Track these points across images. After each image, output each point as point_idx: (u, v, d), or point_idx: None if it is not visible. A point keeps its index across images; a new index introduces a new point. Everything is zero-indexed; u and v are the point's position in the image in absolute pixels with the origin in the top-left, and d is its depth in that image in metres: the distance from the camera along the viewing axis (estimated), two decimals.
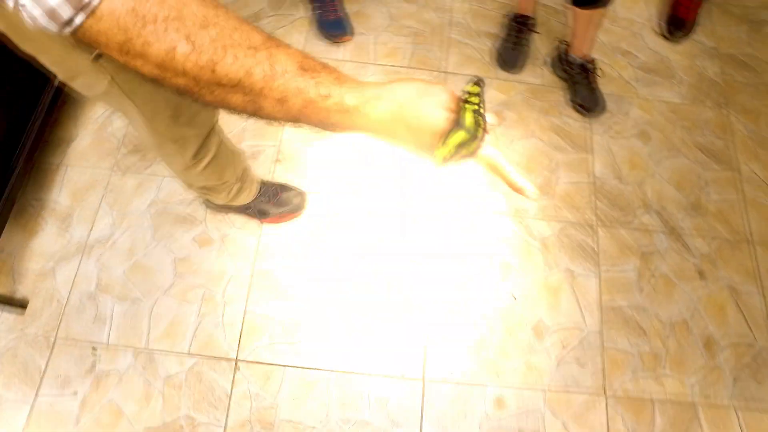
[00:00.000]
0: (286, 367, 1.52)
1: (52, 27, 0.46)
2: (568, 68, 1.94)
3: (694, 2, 2.13)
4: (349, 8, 2.09)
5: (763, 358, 1.61)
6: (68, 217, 1.69)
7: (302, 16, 2.09)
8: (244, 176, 1.49)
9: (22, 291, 1.59)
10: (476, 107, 0.57)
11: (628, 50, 2.11)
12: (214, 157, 1.25)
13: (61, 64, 0.88)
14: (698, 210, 1.81)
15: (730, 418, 1.52)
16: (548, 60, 2.05)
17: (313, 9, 2.04)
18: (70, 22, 0.45)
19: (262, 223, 1.68)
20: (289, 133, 1.84)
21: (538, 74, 2.03)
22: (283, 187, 1.67)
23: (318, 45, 2.02)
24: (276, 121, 0.55)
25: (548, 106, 1.96)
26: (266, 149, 1.81)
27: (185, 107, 1.05)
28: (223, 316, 1.57)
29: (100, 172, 1.76)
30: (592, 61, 1.91)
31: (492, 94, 1.96)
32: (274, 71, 0.51)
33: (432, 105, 0.57)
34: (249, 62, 0.50)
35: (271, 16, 2.08)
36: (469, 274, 1.67)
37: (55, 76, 1.37)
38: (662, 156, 1.90)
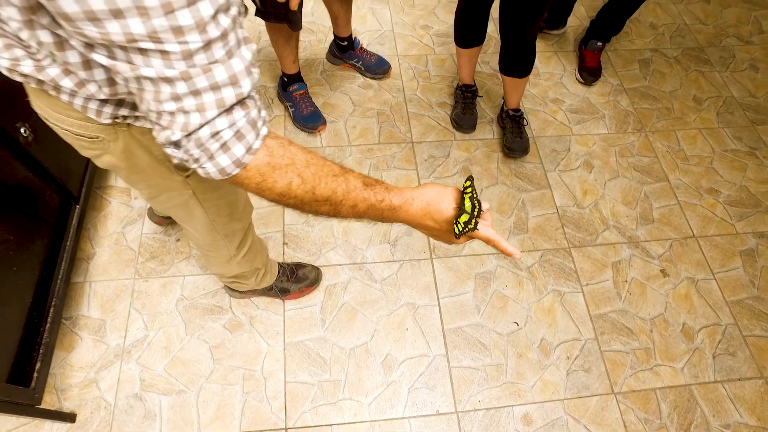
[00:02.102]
0: (333, 426, 1.51)
1: (218, 177, 0.62)
2: (504, 118, 2.10)
3: (595, 54, 2.36)
4: (317, 101, 2.20)
5: (729, 333, 1.72)
6: (101, 327, 1.66)
7: (278, 114, 2.18)
8: (266, 260, 1.52)
9: (68, 406, 1.53)
10: (470, 194, 0.75)
11: (556, 97, 2.30)
12: (250, 246, 1.30)
13: (154, 186, 0.95)
14: (646, 219, 1.95)
15: (719, 391, 1.61)
16: (494, 117, 2.20)
17: (287, 108, 2.13)
18: (230, 174, 0.62)
19: (284, 300, 1.70)
20: (290, 217, 1.89)
21: (488, 130, 2.17)
22: (299, 265, 1.70)
23: (298, 137, 2.11)
24: (346, 218, 0.72)
25: (504, 155, 2.09)
26: (273, 235, 1.84)
27: (237, 206, 1.11)
28: (265, 390, 1.56)
29: (124, 282, 1.74)
30: (518, 110, 2.08)
31: (456, 154, 2.08)
32: (349, 188, 0.69)
33: (446, 202, 0.75)
34: (334, 185, 0.68)
35: None
36: (472, 311, 1.72)
37: (79, 198, 1.42)
38: (606, 179, 2.05)
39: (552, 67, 2.41)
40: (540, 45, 2.45)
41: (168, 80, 0.51)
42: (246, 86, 0.57)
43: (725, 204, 2.00)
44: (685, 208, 1.99)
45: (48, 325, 1.44)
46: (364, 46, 2.30)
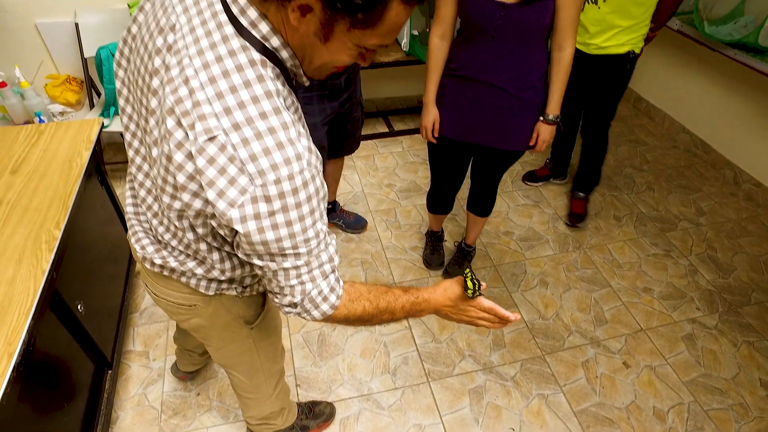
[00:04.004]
0: None
1: (319, 318, 0.84)
2: (457, 246, 2.39)
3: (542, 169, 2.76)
4: None
5: (693, 410, 1.88)
6: None
7: None
8: (289, 400, 1.62)
9: None
10: (470, 276, 0.98)
11: (507, 230, 2.64)
12: (282, 386, 1.42)
13: (225, 339, 1.12)
14: (601, 320, 2.19)
15: None
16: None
17: None
18: (328, 314, 0.84)
19: None
20: (299, 361, 2.01)
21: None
22: (314, 403, 1.80)
23: None
24: (400, 320, 0.96)
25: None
26: (287, 379, 1.94)
27: (278, 349, 1.27)
28: None
29: None
30: (470, 246, 2.38)
31: None
32: (396, 297, 0.94)
33: (455, 287, 0.99)
34: (387, 297, 0.93)
35: None
36: (472, 423, 1.83)
37: (112, 364, 1.57)
38: (561, 292, 2.31)
39: (498, 206, 2.78)
40: None
41: (296, 267, 0.76)
42: (336, 260, 0.83)
43: (659, 299, 2.28)
44: (629, 306, 2.25)
45: None
46: (343, 206, 2.61)
